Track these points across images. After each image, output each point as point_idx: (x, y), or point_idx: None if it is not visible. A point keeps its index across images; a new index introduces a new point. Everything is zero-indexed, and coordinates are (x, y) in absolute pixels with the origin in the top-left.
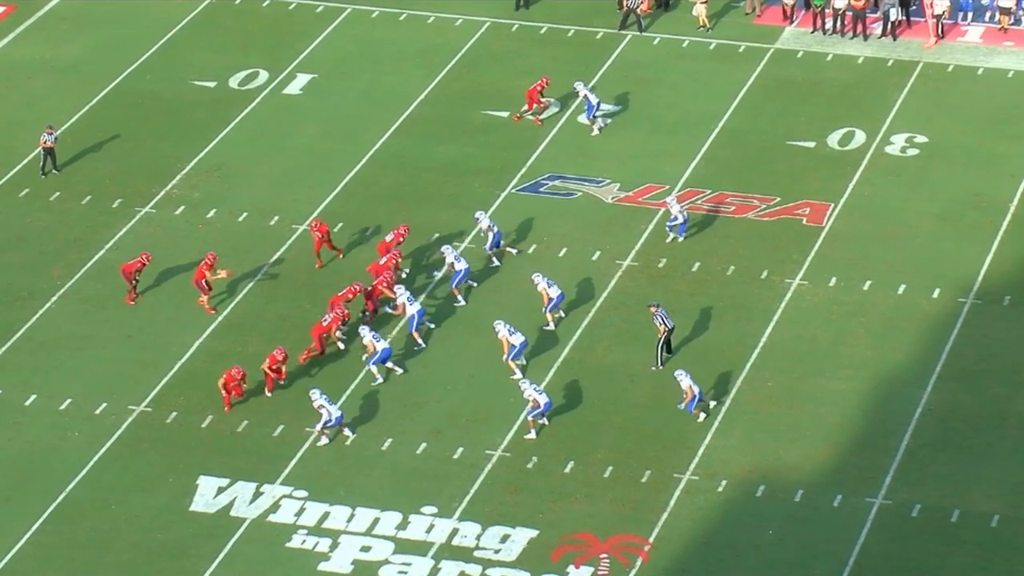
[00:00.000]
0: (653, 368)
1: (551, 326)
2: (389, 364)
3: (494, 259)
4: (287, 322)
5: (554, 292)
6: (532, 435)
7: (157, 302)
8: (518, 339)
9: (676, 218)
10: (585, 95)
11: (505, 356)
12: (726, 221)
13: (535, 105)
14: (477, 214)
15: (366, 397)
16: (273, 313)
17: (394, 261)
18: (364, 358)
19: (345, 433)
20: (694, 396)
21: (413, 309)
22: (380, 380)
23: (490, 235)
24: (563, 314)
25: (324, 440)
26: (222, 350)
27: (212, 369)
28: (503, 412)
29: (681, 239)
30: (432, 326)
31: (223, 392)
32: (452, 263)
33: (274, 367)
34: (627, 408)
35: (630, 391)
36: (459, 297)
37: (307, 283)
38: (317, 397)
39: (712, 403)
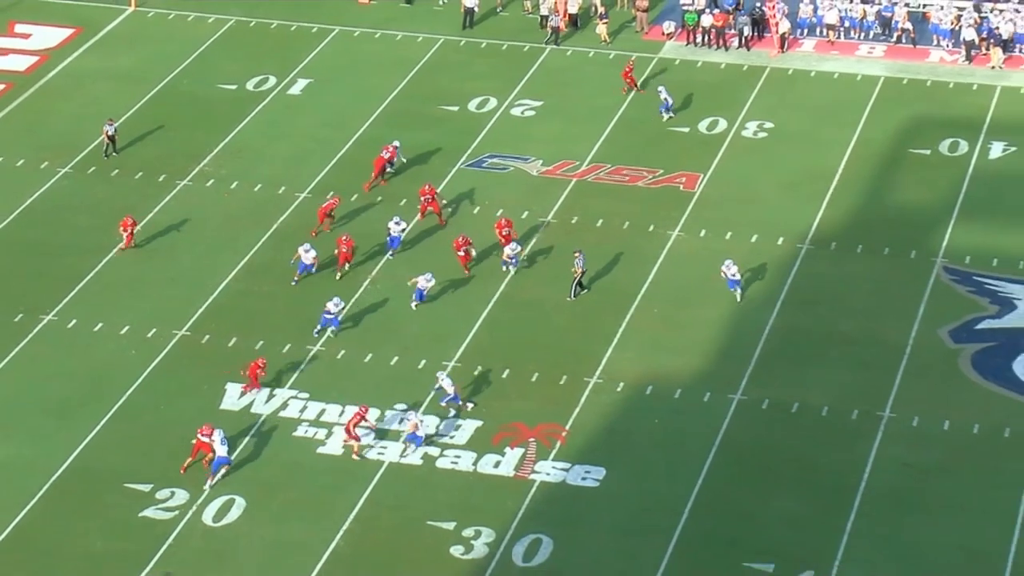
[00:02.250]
0: (568, 299)
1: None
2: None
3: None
4: (294, 268)
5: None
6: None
7: (193, 252)
8: (425, 283)
9: (737, 276)
10: (665, 97)
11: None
12: (622, 188)
13: (632, 83)
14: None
15: (354, 323)
16: (282, 261)
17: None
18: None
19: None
20: (452, 395)
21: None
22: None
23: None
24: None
25: (208, 485)
26: (243, 289)
27: (236, 302)
28: (456, 333)
29: (739, 294)
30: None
31: (193, 455)
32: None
33: (356, 425)
34: (549, 330)
35: (551, 317)
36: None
37: (308, 238)
38: (218, 436)
39: (470, 405)
